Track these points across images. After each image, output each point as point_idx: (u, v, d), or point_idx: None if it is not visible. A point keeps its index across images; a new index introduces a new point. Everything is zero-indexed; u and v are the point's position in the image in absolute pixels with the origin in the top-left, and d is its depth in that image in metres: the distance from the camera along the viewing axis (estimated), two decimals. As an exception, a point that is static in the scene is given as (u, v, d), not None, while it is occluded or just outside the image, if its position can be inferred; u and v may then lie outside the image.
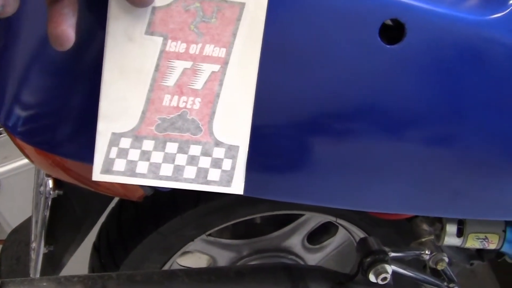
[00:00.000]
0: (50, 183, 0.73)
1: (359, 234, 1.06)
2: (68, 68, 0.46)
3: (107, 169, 0.41)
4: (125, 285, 0.65)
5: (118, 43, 0.40)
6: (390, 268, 0.71)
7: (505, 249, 0.76)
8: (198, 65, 0.42)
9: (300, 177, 0.54)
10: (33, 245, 0.81)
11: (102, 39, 0.40)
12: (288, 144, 0.51)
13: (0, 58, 0.50)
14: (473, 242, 0.75)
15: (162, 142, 0.42)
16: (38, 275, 0.81)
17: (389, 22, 0.45)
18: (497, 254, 0.83)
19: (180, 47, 0.41)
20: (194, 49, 0.41)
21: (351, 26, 0.45)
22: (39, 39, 0.46)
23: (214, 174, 0.43)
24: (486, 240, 0.75)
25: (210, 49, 0.41)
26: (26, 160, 0.83)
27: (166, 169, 0.42)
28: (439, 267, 0.81)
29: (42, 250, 0.79)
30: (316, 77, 0.47)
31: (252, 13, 0.41)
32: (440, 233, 0.77)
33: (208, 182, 0.43)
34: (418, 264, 0.87)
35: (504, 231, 0.74)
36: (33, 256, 0.81)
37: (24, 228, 0.97)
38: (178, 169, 0.42)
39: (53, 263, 0.84)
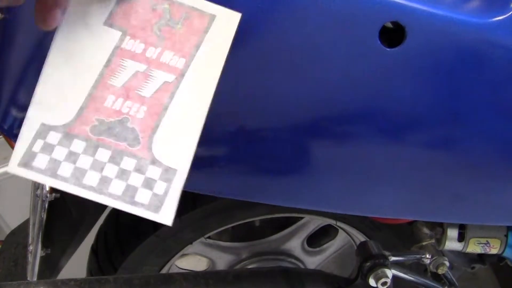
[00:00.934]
0: (47, 186, 0.73)
1: (359, 237, 1.05)
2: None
3: (26, 163, 0.36)
4: (122, 289, 0.65)
5: (73, 26, 0.37)
6: (390, 272, 0.71)
7: (507, 254, 0.75)
8: (152, 70, 0.38)
9: (298, 181, 0.53)
10: (31, 247, 0.80)
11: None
12: (286, 148, 0.51)
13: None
14: (474, 247, 0.74)
15: (94, 146, 0.37)
16: (35, 278, 0.80)
17: (389, 24, 0.44)
18: (499, 257, 0.82)
19: (138, 47, 0.38)
20: (151, 52, 0.38)
21: (351, 29, 0.44)
22: (35, 41, 0.46)
23: (143, 196, 0.37)
24: (488, 245, 0.74)
25: (168, 57, 0.38)
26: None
27: (92, 178, 0.37)
28: (440, 271, 0.80)
29: (39, 253, 0.79)
30: (316, 80, 0.46)
31: (221, 28, 0.39)
32: (441, 238, 0.77)
33: (134, 203, 0.37)
34: (419, 268, 0.86)
35: (506, 236, 0.74)
36: (30, 259, 0.81)
37: (22, 230, 0.96)
38: (105, 181, 0.37)
39: (50, 266, 0.84)
